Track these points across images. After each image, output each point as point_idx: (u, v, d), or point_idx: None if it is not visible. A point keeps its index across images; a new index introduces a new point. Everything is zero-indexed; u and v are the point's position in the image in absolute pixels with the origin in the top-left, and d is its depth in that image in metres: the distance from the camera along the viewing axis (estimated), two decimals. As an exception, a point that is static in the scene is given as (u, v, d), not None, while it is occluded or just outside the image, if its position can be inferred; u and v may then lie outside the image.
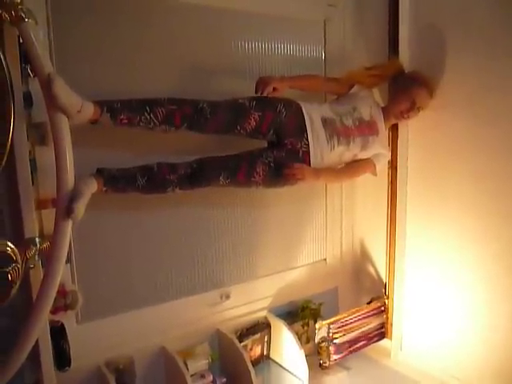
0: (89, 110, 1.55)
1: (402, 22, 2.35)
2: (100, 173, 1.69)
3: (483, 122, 2.12)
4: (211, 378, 2.17)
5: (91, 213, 1.58)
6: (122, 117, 1.63)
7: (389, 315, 2.65)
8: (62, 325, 1.83)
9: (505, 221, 2.08)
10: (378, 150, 2.19)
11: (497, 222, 2.11)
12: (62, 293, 1.77)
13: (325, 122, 2.02)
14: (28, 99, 1.60)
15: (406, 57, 2.34)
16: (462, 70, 2.17)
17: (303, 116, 1.99)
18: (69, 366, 1.85)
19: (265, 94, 1.94)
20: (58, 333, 1.81)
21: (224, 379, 2.22)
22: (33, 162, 1.63)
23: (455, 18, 2.18)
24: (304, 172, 1.97)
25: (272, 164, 1.94)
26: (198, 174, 1.81)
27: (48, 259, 1.53)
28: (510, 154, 2.04)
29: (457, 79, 2.19)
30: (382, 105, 2.30)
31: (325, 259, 2.80)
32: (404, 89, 2.20)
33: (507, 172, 2.06)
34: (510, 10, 1.97)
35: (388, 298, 2.65)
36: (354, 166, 2.18)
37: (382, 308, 2.66)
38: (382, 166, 2.27)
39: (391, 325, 2.65)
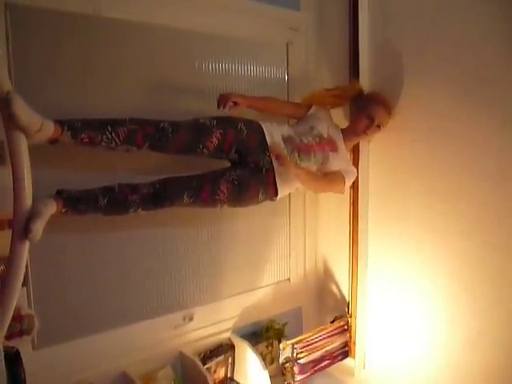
0: (49, 129, 1.52)
1: (361, 46, 2.43)
2: (60, 194, 1.65)
3: (440, 143, 2.20)
4: (174, 401, 2.13)
5: (49, 234, 1.54)
6: (82, 136, 1.60)
7: (352, 334, 2.67)
8: (17, 351, 1.75)
9: (462, 238, 2.15)
10: (339, 166, 2.21)
11: (454, 239, 2.18)
12: (18, 317, 1.71)
13: (285, 139, 2.06)
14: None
15: (366, 78, 2.42)
16: (418, 93, 2.25)
17: (263, 133, 2.02)
18: (24, 393, 1.77)
19: (226, 109, 1.97)
20: (13, 359, 1.73)
21: (187, 403, 2.18)
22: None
23: (412, 42, 2.27)
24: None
25: (236, 182, 1.95)
26: (161, 194, 1.80)
27: (3, 283, 1.48)
28: (464, 174, 2.12)
29: (414, 102, 2.27)
30: (343, 127, 2.35)
31: (288, 279, 2.81)
32: (363, 107, 2.26)
33: (462, 191, 2.13)
34: (467, 33, 2.06)
35: (351, 316, 2.67)
36: (327, 178, 2.16)
37: (346, 327, 2.67)
38: (350, 183, 2.29)
39: (354, 343, 2.66)
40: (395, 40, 2.36)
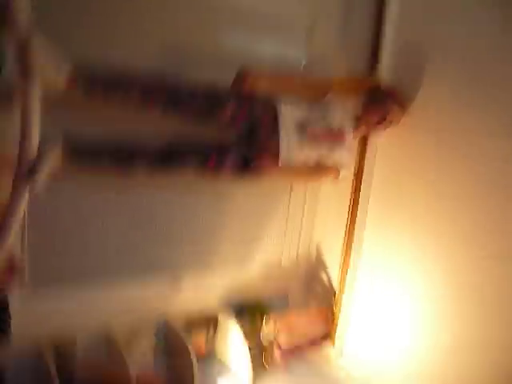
0: (64, 77, 1.49)
1: (385, 36, 2.40)
2: (66, 144, 1.63)
3: (449, 145, 2.19)
4: (153, 365, 2.14)
5: (50, 184, 1.52)
6: (96, 90, 1.58)
7: (335, 322, 2.69)
8: (5, 296, 1.76)
9: (459, 241, 2.15)
10: (342, 158, 2.22)
11: (451, 241, 2.18)
12: (10, 263, 1.70)
13: (297, 124, 2.05)
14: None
15: (385, 71, 2.40)
16: (436, 93, 2.23)
17: (278, 116, 2.00)
18: (8, 339, 1.78)
19: (241, 89, 1.94)
20: (0, 304, 1.74)
21: (165, 368, 2.19)
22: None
23: (437, 41, 2.24)
24: (270, 169, 2.00)
25: (241, 157, 1.95)
26: (168, 158, 1.79)
27: (1, 222, 1.47)
28: (468, 176, 2.12)
29: (430, 102, 2.25)
30: (354, 114, 2.33)
31: (280, 260, 2.81)
32: (378, 101, 2.24)
33: (465, 193, 2.13)
34: (492, 40, 2.03)
35: (336, 305, 2.69)
36: (318, 169, 2.21)
37: (330, 315, 2.69)
38: (345, 174, 2.29)
39: (335, 332, 2.69)
40: (420, 37, 2.33)
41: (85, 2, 1.81)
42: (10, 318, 1.75)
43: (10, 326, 1.78)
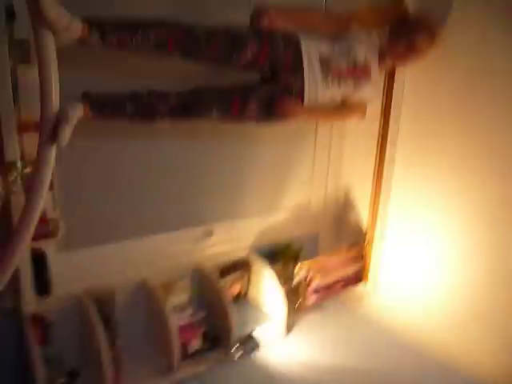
0: (77, 28, 1.44)
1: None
2: (86, 97, 1.60)
3: (484, 76, 2.07)
4: (190, 311, 2.22)
5: (77, 139, 1.51)
6: (111, 38, 1.52)
7: (367, 260, 2.70)
8: (44, 252, 1.80)
9: (491, 179, 2.09)
10: (369, 93, 2.13)
11: (483, 180, 2.12)
12: (44, 220, 1.73)
13: (321, 60, 1.96)
14: (10, 12, 1.49)
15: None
16: (467, 23, 2.10)
17: (301, 52, 1.92)
18: (49, 292, 1.84)
19: (260, 27, 1.85)
20: (40, 260, 1.79)
21: (203, 314, 2.26)
22: (15, 81, 1.54)
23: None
24: (296, 110, 1.94)
25: (265, 100, 1.88)
26: (190, 106, 1.74)
27: (30, 185, 1.48)
28: (503, 115, 2.02)
29: (461, 32, 2.11)
30: (380, 46, 2.22)
31: (309, 203, 2.80)
32: (406, 32, 2.11)
33: (498, 130, 2.04)
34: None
35: (367, 244, 2.68)
36: (344, 108, 2.14)
37: (361, 254, 2.70)
38: (371, 111, 2.21)
39: (368, 271, 2.70)
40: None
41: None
42: (49, 272, 1.80)
43: (50, 279, 1.84)
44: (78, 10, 1.50)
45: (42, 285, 1.84)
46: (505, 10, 1.96)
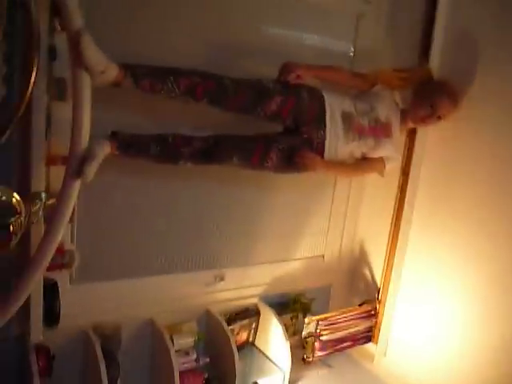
0: (113, 72, 1.52)
1: (437, 28, 2.30)
2: (114, 136, 1.67)
3: (505, 143, 2.09)
4: (195, 356, 2.18)
5: (100, 175, 1.56)
6: (144, 82, 1.60)
7: (378, 319, 2.64)
8: (56, 283, 1.83)
9: (506, 246, 2.07)
10: (389, 152, 2.16)
11: (498, 247, 2.10)
12: (60, 251, 1.76)
13: (344, 115, 2.01)
14: (52, 53, 1.58)
15: (435, 63, 2.30)
16: (490, 87, 2.13)
17: (324, 106, 1.97)
18: (57, 323, 1.85)
19: (287, 81, 1.92)
20: (51, 290, 1.81)
21: (207, 359, 2.22)
22: (48, 116, 1.61)
23: (492, 32, 2.14)
24: (315, 163, 1.98)
25: (286, 151, 1.93)
26: (213, 151, 1.80)
27: (52, 217, 1.52)
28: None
29: (484, 95, 2.15)
30: (402, 107, 2.27)
31: (323, 255, 2.79)
32: (428, 95, 2.16)
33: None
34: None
35: (380, 302, 2.64)
36: (364, 164, 2.17)
37: (373, 312, 2.65)
38: (391, 169, 2.24)
39: (379, 330, 2.64)
40: (474, 26, 2.22)
41: (129, 7, 1.84)
42: (59, 303, 1.81)
43: (59, 310, 1.85)
44: (117, 50, 1.60)
45: (51, 315, 1.85)
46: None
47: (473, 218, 2.21)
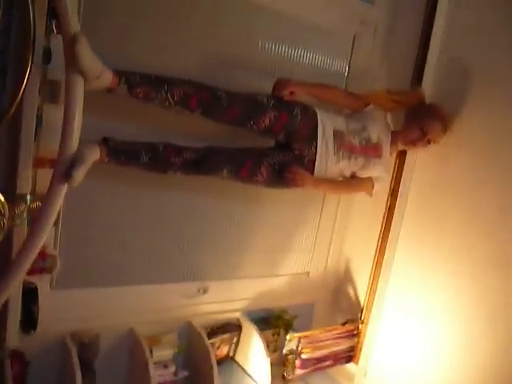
0: (107, 78, 1.52)
1: (431, 52, 2.34)
2: (105, 142, 1.66)
3: (492, 168, 2.12)
4: (174, 369, 2.15)
5: (86, 180, 1.54)
6: (138, 90, 1.60)
7: (360, 340, 2.63)
8: (36, 287, 1.79)
9: (495, 268, 2.08)
10: (378, 172, 2.18)
11: (487, 268, 2.11)
12: (42, 255, 1.73)
13: (336, 134, 2.03)
14: (47, 55, 1.57)
15: (428, 87, 2.33)
16: (481, 112, 2.16)
17: (317, 124, 1.99)
18: (34, 329, 1.81)
19: (281, 97, 1.93)
20: (30, 295, 1.78)
21: (186, 373, 2.19)
22: (39, 118, 1.60)
23: (485, 59, 2.18)
24: (304, 179, 1.98)
25: (276, 166, 1.94)
26: (203, 163, 1.80)
27: (35, 220, 1.50)
28: (509, 203, 2.05)
29: (474, 121, 2.19)
30: (393, 128, 2.29)
31: (307, 272, 2.78)
32: (419, 118, 2.18)
33: (505, 219, 2.05)
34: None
35: (363, 322, 2.63)
36: (353, 182, 2.19)
37: (355, 332, 2.64)
38: (379, 189, 2.25)
39: (360, 350, 2.63)
40: (466, 54, 2.26)
41: (128, 16, 1.84)
42: (38, 308, 1.78)
43: (37, 315, 1.82)
44: (113, 56, 1.60)
45: (29, 321, 1.81)
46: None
47: (458, 240, 2.23)
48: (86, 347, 2.00)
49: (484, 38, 2.20)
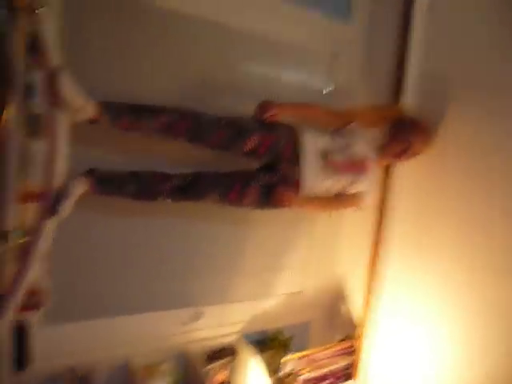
0: (89, 110, 1.52)
1: (409, 65, 2.38)
2: (91, 173, 1.65)
3: (477, 176, 2.14)
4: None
5: (76, 212, 1.54)
6: (121, 120, 1.61)
7: (357, 356, 2.61)
8: (27, 324, 1.76)
9: (487, 277, 2.08)
10: (365, 188, 2.19)
11: (479, 277, 2.11)
12: (33, 291, 1.70)
13: (320, 153, 2.04)
14: (28, 89, 1.56)
15: (408, 101, 2.36)
16: (462, 123, 2.19)
17: (301, 144, 2.00)
18: (26, 367, 1.77)
19: (264, 119, 1.95)
20: (21, 332, 1.74)
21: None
22: (24, 153, 1.59)
23: (463, 70, 2.21)
24: (291, 199, 1.99)
25: (263, 188, 1.95)
26: (191, 188, 1.80)
27: (23, 255, 1.48)
28: (500, 211, 2.06)
29: (456, 131, 2.21)
30: (377, 143, 2.31)
31: (301, 291, 2.77)
32: (402, 132, 2.20)
33: (495, 228, 2.07)
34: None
35: (359, 339, 2.61)
36: (340, 198, 2.19)
37: (352, 348, 2.62)
38: (367, 204, 2.26)
39: (358, 367, 2.61)
40: (445, 66, 2.30)
41: (109, 47, 1.86)
42: (29, 346, 1.74)
43: (30, 352, 1.78)
44: (95, 88, 1.60)
45: (21, 358, 1.77)
46: (498, 109, 2.06)
47: (451, 253, 2.23)
48: (81, 382, 1.96)
49: (461, 51, 2.24)
